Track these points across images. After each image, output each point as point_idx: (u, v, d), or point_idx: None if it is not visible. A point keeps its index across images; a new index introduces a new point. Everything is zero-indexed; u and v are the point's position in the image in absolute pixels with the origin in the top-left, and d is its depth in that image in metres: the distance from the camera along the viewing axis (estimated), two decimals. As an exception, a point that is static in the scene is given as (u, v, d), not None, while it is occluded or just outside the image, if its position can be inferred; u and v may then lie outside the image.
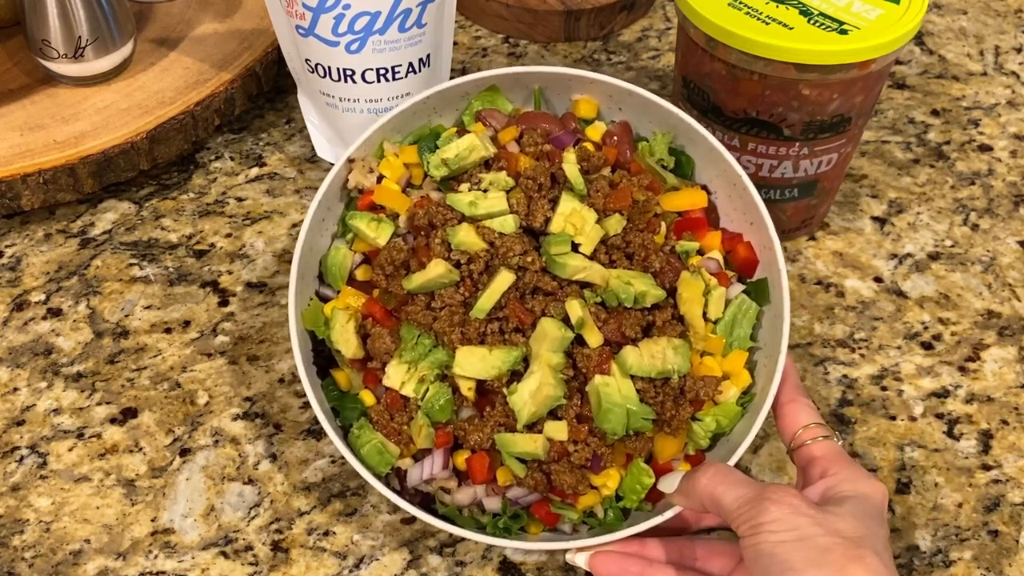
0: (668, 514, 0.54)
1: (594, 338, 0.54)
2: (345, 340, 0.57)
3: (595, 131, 0.62)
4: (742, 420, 0.57)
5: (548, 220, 0.56)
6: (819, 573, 0.44)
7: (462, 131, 0.61)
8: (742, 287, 0.60)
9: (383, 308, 0.57)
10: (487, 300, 0.54)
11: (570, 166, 0.58)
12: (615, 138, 0.62)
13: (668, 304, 0.56)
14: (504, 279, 0.54)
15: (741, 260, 0.61)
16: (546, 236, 0.55)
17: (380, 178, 0.61)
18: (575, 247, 0.55)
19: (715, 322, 0.58)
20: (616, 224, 0.56)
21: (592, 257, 0.55)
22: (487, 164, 0.59)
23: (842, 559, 0.44)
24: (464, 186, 0.58)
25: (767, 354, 0.58)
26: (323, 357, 0.60)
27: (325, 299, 0.60)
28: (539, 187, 0.57)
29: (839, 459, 0.52)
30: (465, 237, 0.55)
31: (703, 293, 0.57)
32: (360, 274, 0.60)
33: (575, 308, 0.54)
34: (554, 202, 0.56)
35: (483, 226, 0.56)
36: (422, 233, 0.57)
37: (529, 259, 0.54)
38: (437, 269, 0.55)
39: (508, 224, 0.55)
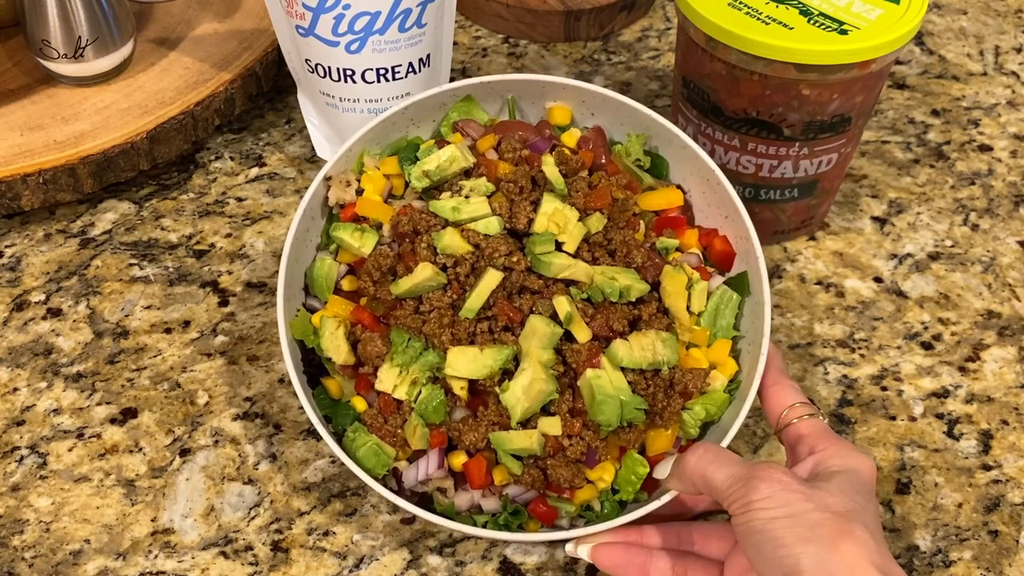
0: (665, 498, 0.54)
1: (583, 333, 0.54)
2: (335, 347, 0.57)
3: (570, 137, 0.63)
4: (730, 406, 0.58)
5: (531, 221, 0.56)
6: (810, 548, 0.44)
7: (440, 142, 0.62)
8: (722, 279, 0.61)
9: (371, 315, 0.57)
10: (476, 300, 0.54)
11: (549, 167, 0.58)
12: (590, 143, 0.63)
13: (653, 298, 0.57)
14: (492, 278, 0.54)
15: (719, 254, 0.62)
16: (530, 236, 0.56)
17: (360, 191, 0.61)
18: (559, 246, 0.56)
19: (699, 315, 0.59)
20: (597, 222, 0.57)
21: (576, 255, 0.56)
22: (467, 173, 0.60)
23: (832, 534, 0.45)
24: (446, 194, 0.58)
25: (750, 341, 0.59)
26: (313, 366, 0.60)
27: (312, 311, 0.60)
28: (520, 190, 0.57)
29: (825, 435, 0.53)
30: (450, 240, 0.55)
31: (686, 287, 0.58)
32: (346, 284, 0.60)
33: (563, 304, 0.54)
34: (536, 204, 0.57)
35: (468, 229, 0.56)
36: (407, 239, 0.57)
37: (514, 259, 0.55)
38: (424, 273, 0.55)
39: (492, 226, 0.56)
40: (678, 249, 0.61)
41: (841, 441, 0.52)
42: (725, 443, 0.55)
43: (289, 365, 0.56)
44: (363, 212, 0.60)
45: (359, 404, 0.57)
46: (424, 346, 0.55)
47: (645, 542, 0.55)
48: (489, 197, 0.57)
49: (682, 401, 0.56)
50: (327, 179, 0.61)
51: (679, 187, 0.63)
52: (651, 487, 0.57)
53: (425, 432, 0.55)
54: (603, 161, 0.62)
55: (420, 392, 0.55)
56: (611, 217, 0.58)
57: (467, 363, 0.54)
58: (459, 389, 0.55)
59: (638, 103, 0.61)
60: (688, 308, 0.58)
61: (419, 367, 0.55)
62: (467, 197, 0.57)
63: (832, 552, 0.44)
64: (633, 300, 0.56)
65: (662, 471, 0.54)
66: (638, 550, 0.55)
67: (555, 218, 0.56)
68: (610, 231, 0.58)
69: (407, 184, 0.61)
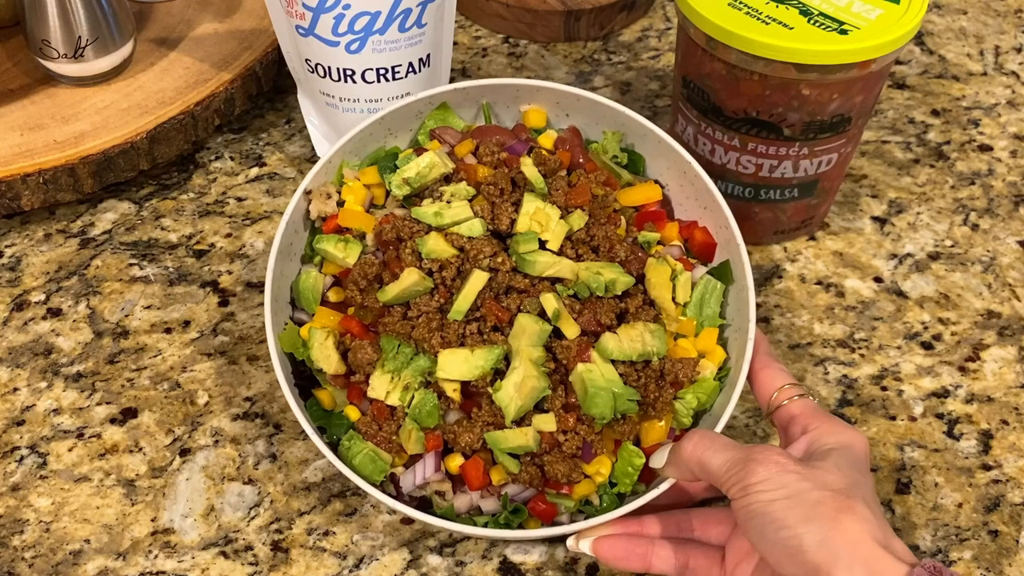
0: (663, 487, 0.55)
1: (571, 329, 0.55)
2: (326, 357, 0.57)
3: (547, 139, 0.64)
4: (721, 394, 0.59)
5: (513, 222, 0.57)
6: (812, 527, 0.45)
7: (419, 151, 0.62)
8: (705, 269, 0.62)
9: (360, 323, 0.58)
10: (463, 301, 0.55)
11: (528, 168, 0.59)
12: (567, 144, 0.63)
13: (638, 291, 0.58)
14: (478, 278, 0.55)
15: (700, 245, 0.63)
16: (513, 237, 0.56)
17: (340, 203, 0.61)
18: (542, 245, 0.56)
19: (684, 305, 0.60)
20: (579, 220, 0.58)
21: (560, 253, 0.57)
22: (447, 178, 0.60)
23: (833, 511, 0.45)
24: (427, 201, 0.58)
25: (737, 328, 0.60)
26: (304, 378, 0.60)
27: (300, 323, 0.60)
28: (501, 192, 0.58)
29: (817, 414, 0.53)
30: (435, 245, 0.55)
31: (670, 278, 0.58)
32: (332, 296, 0.60)
33: (550, 300, 0.55)
34: (517, 205, 0.58)
35: (451, 233, 0.56)
36: (391, 247, 0.58)
37: (499, 260, 0.55)
38: (411, 278, 0.55)
39: (476, 228, 0.56)
40: (660, 243, 0.62)
41: (832, 418, 0.53)
42: (718, 430, 0.55)
43: (281, 379, 0.56)
44: (345, 223, 0.60)
45: (352, 413, 0.57)
46: (414, 351, 0.56)
47: (645, 532, 0.56)
48: (470, 201, 0.58)
49: (673, 391, 0.57)
50: (307, 192, 0.61)
51: (657, 182, 0.64)
52: (648, 478, 0.57)
53: (420, 436, 0.55)
54: (580, 160, 0.63)
55: (413, 397, 0.55)
56: (592, 214, 0.59)
57: (458, 365, 0.54)
58: (452, 391, 0.55)
59: (610, 100, 0.62)
60: (673, 299, 0.59)
61: (411, 372, 0.55)
62: (448, 202, 0.58)
63: (834, 529, 0.44)
64: (619, 294, 0.57)
65: (658, 460, 0.54)
66: (639, 540, 0.55)
67: (537, 217, 0.56)
68: (592, 227, 0.58)
69: (388, 193, 0.62)
